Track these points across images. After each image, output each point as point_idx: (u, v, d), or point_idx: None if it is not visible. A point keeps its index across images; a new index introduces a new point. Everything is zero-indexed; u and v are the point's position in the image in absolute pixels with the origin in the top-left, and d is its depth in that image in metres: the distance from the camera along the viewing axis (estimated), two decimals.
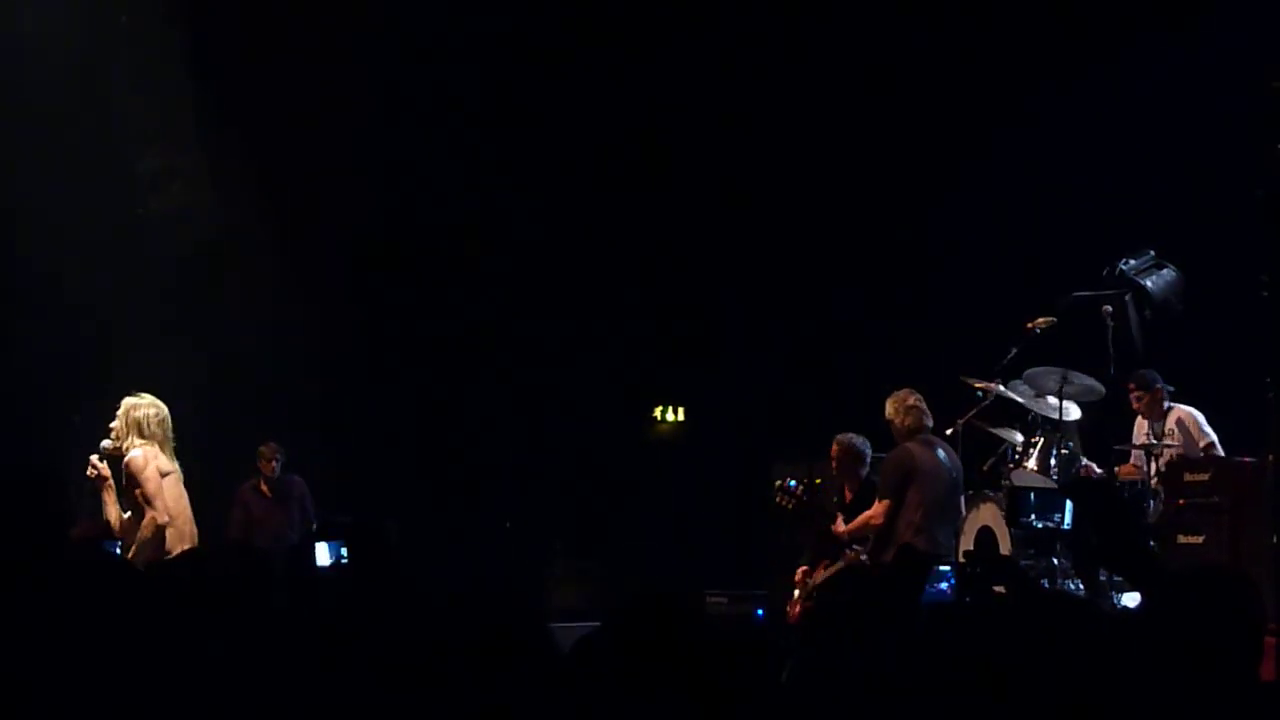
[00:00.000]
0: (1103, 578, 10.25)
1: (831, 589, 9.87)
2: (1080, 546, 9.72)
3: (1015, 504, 10.47)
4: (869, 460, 10.59)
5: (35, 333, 12.74)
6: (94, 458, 8.79)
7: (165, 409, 8.91)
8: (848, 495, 10.60)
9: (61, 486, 4.93)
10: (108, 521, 8.74)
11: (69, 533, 4.94)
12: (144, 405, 8.87)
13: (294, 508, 12.91)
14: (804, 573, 10.59)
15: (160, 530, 8.62)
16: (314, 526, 12.14)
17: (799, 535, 10.84)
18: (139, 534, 8.64)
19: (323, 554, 6.33)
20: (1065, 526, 10.35)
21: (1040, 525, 10.44)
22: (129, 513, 8.80)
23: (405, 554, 9.25)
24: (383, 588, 4.56)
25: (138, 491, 8.71)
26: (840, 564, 10.15)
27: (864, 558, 10.12)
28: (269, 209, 13.44)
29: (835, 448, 10.62)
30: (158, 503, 8.64)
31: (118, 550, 7.98)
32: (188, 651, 3.83)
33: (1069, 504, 10.22)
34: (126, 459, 8.74)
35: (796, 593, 10.56)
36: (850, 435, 10.61)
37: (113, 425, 8.86)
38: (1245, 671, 3.63)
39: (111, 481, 8.80)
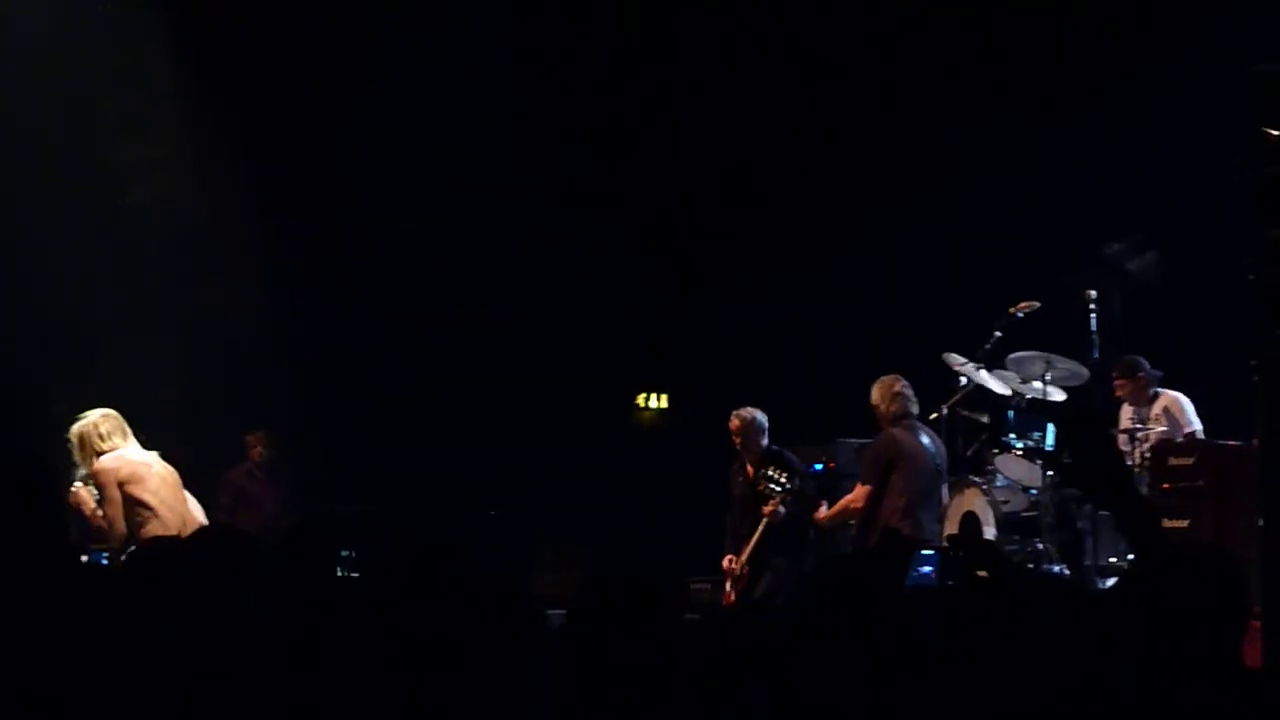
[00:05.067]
0: (1087, 562, 10.28)
1: (767, 553, 10.05)
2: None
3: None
4: (767, 431, 10.62)
5: (17, 322, 12.71)
6: (75, 486, 8.69)
7: (108, 411, 8.71)
8: (750, 471, 10.59)
9: (52, 474, 4.87)
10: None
11: (64, 520, 4.87)
12: (83, 423, 8.68)
13: (284, 493, 13.11)
14: (730, 559, 10.63)
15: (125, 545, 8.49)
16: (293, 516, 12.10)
17: (744, 523, 10.73)
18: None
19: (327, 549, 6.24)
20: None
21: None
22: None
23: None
24: (390, 581, 4.52)
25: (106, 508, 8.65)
26: (761, 524, 10.26)
27: (782, 510, 10.18)
28: (252, 198, 13.42)
29: (736, 421, 10.68)
30: (117, 526, 8.54)
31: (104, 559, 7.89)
32: (164, 641, 3.80)
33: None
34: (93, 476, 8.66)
35: (729, 584, 10.61)
36: (750, 409, 10.68)
37: (75, 458, 8.69)
38: (1229, 654, 3.62)
39: (93, 501, 8.70)
